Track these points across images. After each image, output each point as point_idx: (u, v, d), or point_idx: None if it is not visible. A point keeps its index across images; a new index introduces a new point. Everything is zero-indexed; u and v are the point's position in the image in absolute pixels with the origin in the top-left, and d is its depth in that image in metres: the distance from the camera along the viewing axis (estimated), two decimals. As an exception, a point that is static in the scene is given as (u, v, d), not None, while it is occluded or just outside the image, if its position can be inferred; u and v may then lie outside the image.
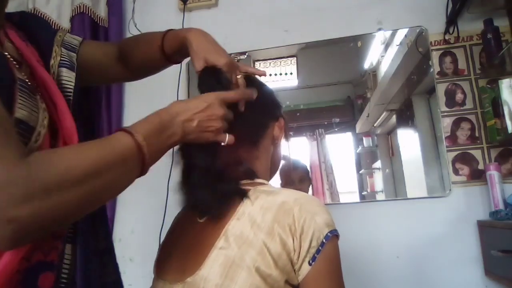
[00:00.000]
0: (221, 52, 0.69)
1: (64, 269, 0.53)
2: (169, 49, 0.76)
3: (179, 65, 1.55)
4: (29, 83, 0.52)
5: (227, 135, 0.63)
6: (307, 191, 1.53)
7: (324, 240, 0.57)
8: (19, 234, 0.37)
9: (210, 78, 0.67)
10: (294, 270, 0.57)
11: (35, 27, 0.65)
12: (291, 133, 1.64)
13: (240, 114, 0.69)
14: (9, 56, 0.53)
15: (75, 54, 0.70)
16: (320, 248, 0.57)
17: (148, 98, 1.72)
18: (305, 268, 0.56)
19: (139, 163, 0.49)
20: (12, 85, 0.48)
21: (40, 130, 0.48)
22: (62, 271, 0.53)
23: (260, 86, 0.78)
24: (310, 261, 0.56)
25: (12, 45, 0.56)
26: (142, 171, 0.50)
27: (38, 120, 0.49)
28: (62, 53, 0.67)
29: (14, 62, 0.53)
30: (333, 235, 0.59)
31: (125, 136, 0.48)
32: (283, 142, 0.80)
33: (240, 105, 0.68)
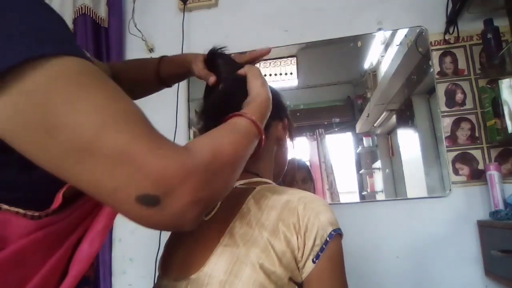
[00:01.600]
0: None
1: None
2: (165, 75, 0.85)
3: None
4: None
5: None
6: (310, 191, 1.54)
7: (328, 239, 0.58)
8: (202, 212, 0.42)
9: (220, 57, 0.74)
10: (298, 268, 0.58)
11: None
12: (294, 134, 1.64)
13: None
14: None
15: None
16: (324, 246, 0.57)
17: (148, 99, 1.72)
18: (309, 266, 0.57)
19: (259, 138, 0.59)
20: None
21: None
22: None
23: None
24: (314, 259, 0.57)
25: None
26: (261, 144, 0.60)
27: None
28: None
29: None
30: (337, 234, 0.59)
31: (246, 121, 0.57)
32: (288, 143, 0.80)
33: None
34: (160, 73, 0.84)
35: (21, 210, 0.40)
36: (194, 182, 0.39)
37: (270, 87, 0.80)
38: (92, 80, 0.39)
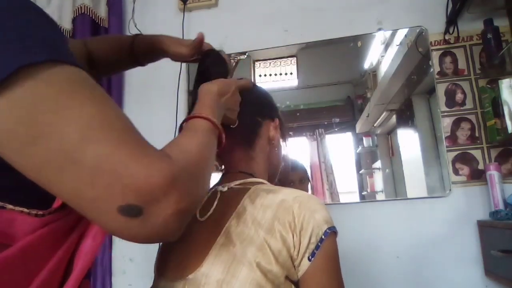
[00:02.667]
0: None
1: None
2: (139, 52, 0.85)
3: (179, 65, 1.57)
4: None
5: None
6: (307, 191, 1.54)
7: (323, 237, 0.58)
8: (185, 222, 0.42)
9: (217, 59, 0.77)
10: (294, 266, 0.58)
11: None
12: (291, 133, 1.64)
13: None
14: None
15: None
16: (319, 244, 0.58)
17: (148, 99, 1.72)
18: (305, 264, 0.58)
19: (218, 138, 0.59)
20: None
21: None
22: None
23: (254, 87, 0.79)
24: (310, 257, 0.58)
25: None
26: (220, 143, 0.60)
27: None
28: None
29: None
30: (332, 232, 0.60)
31: (204, 122, 0.57)
32: (281, 143, 0.80)
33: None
34: (134, 52, 0.84)
35: (25, 209, 0.40)
36: (179, 191, 0.39)
37: (259, 87, 0.81)
38: (80, 88, 0.39)
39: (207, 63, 0.76)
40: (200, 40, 0.79)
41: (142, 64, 0.88)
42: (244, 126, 0.73)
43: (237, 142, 0.73)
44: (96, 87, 0.41)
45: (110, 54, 0.86)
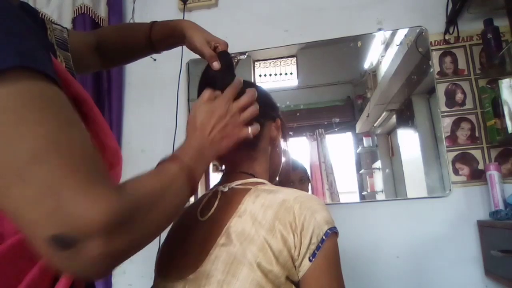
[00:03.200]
0: (212, 34, 0.77)
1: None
2: (157, 38, 0.81)
3: (179, 65, 1.57)
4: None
5: (249, 128, 0.66)
6: (307, 191, 1.54)
7: (324, 237, 0.58)
8: (116, 265, 0.39)
9: (227, 58, 0.74)
10: (295, 267, 0.58)
11: (35, 24, 0.61)
12: (291, 133, 1.64)
13: None
14: None
15: (69, 54, 0.69)
16: (320, 244, 0.58)
17: (148, 98, 1.72)
18: (306, 264, 0.58)
19: (190, 185, 0.53)
20: None
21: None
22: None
23: (255, 87, 0.79)
24: (311, 257, 0.57)
25: None
26: (193, 191, 0.54)
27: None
28: (65, 58, 0.66)
29: None
30: (333, 232, 0.60)
31: (175, 166, 0.53)
32: (282, 143, 0.80)
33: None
34: (151, 37, 0.81)
35: None
36: (116, 233, 0.37)
37: (259, 87, 0.80)
38: (45, 106, 0.37)
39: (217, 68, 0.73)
40: (219, 66, 0.73)
41: (158, 51, 0.85)
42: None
43: (240, 144, 0.73)
44: (63, 108, 0.39)
45: (123, 42, 0.84)
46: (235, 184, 0.69)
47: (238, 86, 0.68)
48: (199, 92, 0.75)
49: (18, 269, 0.40)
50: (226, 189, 0.69)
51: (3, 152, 0.35)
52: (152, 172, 0.50)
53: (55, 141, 0.36)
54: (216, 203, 0.67)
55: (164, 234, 0.77)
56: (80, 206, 0.35)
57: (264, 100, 0.78)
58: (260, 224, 0.59)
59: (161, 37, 0.81)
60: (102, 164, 0.41)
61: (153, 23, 0.82)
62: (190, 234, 0.68)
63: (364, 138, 1.61)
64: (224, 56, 0.74)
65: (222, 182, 0.73)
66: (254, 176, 0.71)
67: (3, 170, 0.35)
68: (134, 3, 1.77)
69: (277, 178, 0.84)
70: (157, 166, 0.53)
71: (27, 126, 0.36)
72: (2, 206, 0.36)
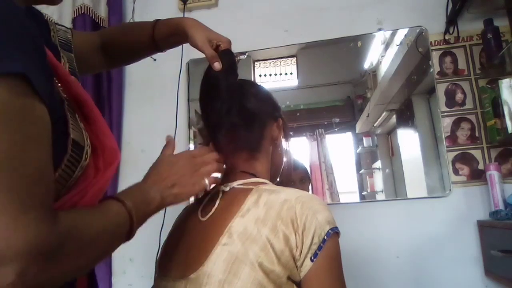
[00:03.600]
0: (215, 32, 0.77)
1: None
2: (160, 36, 0.81)
3: (179, 65, 1.57)
4: (69, 102, 0.52)
5: (206, 179, 0.66)
6: (308, 191, 1.54)
7: (325, 237, 0.58)
8: None
9: (229, 58, 0.73)
10: (297, 267, 0.58)
11: (38, 26, 0.62)
12: (291, 133, 1.64)
13: (238, 116, 0.71)
14: None
15: (73, 56, 0.69)
16: (321, 244, 0.58)
17: (148, 99, 1.72)
18: (307, 264, 0.58)
19: (129, 228, 0.53)
20: (63, 106, 0.49)
21: (87, 149, 0.51)
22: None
23: (257, 87, 0.79)
24: (312, 257, 0.58)
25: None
26: (130, 235, 0.53)
27: (84, 139, 0.51)
28: (68, 59, 0.66)
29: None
30: (334, 232, 0.60)
31: (119, 206, 0.52)
32: (283, 143, 0.80)
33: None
34: (154, 36, 0.81)
35: None
36: (31, 265, 0.35)
37: (261, 87, 0.81)
38: (8, 118, 0.36)
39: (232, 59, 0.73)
40: (221, 67, 0.73)
41: (162, 49, 0.85)
42: (249, 127, 0.73)
43: (242, 145, 0.73)
44: (30, 125, 0.38)
45: (126, 41, 0.84)
46: (236, 183, 0.69)
47: (205, 150, 0.70)
48: (202, 92, 0.75)
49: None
50: (228, 188, 0.69)
51: None
52: (94, 207, 0.50)
53: (5, 154, 0.35)
54: (217, 202, 0.67)
55: (165, 234, 0.77)
56: (5, 227, 0.33)
57: (265, 100, 0.79)
58: (262, 223, 0.59)
59: (164, 35, 0.81)
60: (48, 188, 0.39)
61: (156, 21, 0.82)
62: (192, 233, 0.68)
63: (364, 138, 1.61)
64: (226, 56, 0.73)
65: (223, 181, 0.73)
66: (255, 176, 0.71)
67: None
68: (134, 3, 1.77)
69: (278, 178, 0.84)
70: (100, 202, 0.52)
71: None
72: None
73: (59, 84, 0.51)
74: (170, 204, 0.62)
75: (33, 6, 0.61)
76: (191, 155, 0.67)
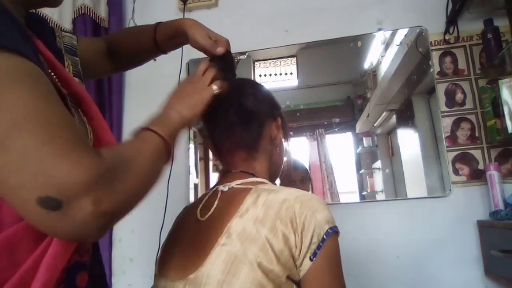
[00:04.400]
0: (214, 32, 0.79)
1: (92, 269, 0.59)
2: (162, 39, 0.83)
3: (179, 65, 1.57)
4: (71, 97, 0.53)
5: (213, 86, 0.68)
6: (308, 191, 1.54)
7: (324, 236, 0.58)
8: (107, 225, 0.41)
9: (227, 57, 0.75)
10: (296, 266, 0.58)
11: (43, 31, 0.63)
12: (291, 133, 1.64)
13: (236, 115, 0.71)
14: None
15: (78, 60, 0.71)
16: (321, 244, 0.58)
17: (148, 99, 1.72)
18: (307, 264, 0.58)
19: (167, 150, 0.56)
20: (65, 101, 0.51)
21: (90, 144, 0.52)
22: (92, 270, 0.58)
23: (257, 86, 0.79)
24: (311, 257, 0.58)
25: (42, 57, 0.56)
26: (169, 155, 0.57)
27: (88, 133, 0.53)
28: (73, 62, 0.68)
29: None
30: (333, 232, 0.60)
31: (149, 133, 0.55)
32: (283, 142, 0.80)
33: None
34: (156, 39, 0.84)
35: None
36: (98, 191, 0.38)
37: (261, 86, 0.81)
38: (20, 79, 0.40)
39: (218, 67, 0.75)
40: (224, 50, 0.76)
41: (165, 52, 0.88)
42: (247, 127, 0.73)
43: (240, 144, 0.73)
44: (39, 81, 0.41)
45: (130, 45, 0.87)
46: (235, 183, 0.69)
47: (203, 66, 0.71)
48: (205, 114, 0.76)
49: (13, 261, 0.41)
50: (226, 188, 0.69)
51: None
52: (130, 140, 0.53)
53: (33, 110, 0.38)
54: (216, 202, 0.67)
55: (165, 234, 0.77)
56: (62, 169, 0.37)
57: (265, 99, 0.78)
58: (261, 223, 0.59)
59: (165, 38, 0.83)
60: (79, 131, 0.43)
61: (158, 24, 0.84)
62: (190, 234, 0.68)
63: (364, 138, 1.61)
64: (225, 55, 0.75)
65: (222, 181, 0.73)
66: (254, 176, 0.71)
67: None
68: (134, 3, 1.77)
69: (278, 178, 0.84)
70: (132, 134, 0.55)
71: (5, 97, 0.38)
72: None
73: (57, 81, 0.53)
74: (191, 117, 0.65)
75: (37, 13, 0.62)
76: (192, 76, 0.70)
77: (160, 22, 0.85)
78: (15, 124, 0.37)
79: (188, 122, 0.64)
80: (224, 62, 0.74)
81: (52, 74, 0.53)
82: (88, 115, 0.56)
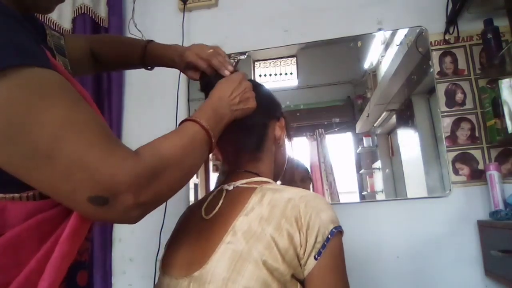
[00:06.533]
0: (203, 48, 0.81)
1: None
2: (149, 61, 0.87)
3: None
4: None
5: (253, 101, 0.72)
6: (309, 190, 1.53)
7: (329, 236, 0.59)
8: (145, 212, 0.48)
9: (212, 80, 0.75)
10: (300, 265, 0.59)
11: (36, 30, 0.63)
12: (291, 133, 1.64)
13: (241, 118, 0.71)
14: None
15: (67, 60, 0.71)
16: (325, 243, 0.59)
17: (148, 98, 1.72)
18: (311, 263, 0.58)
19: (209, 143, 0.60)
20: None
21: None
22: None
23: (258, 87, 0.79)
24: (316, 256, 0.58)
25: None
26: (211, 149, 0.61)
27: None
28: (63, 63, 0.68)
29: None
30: (338, 231, 0.61)
31: (194, 125, 0.59)
32: (286, 142, 0.80)
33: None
34: (144, 58, 0.87)
35: (16, 195, 0.44)
36: (139, 187, 0.45)
37: (263, 87, 0.81)
38: (53, 90, 0.42)
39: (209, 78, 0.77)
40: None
41: (150, 69, 0.91)
42: (252, 129, 0.73)
43: (245, 145, 0.73)
44: (67, 90, 0.44)
45: (115, 56, 0.88)
46: (240, 183, 0.69)
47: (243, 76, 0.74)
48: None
49: (17, 261, 0.43)
50: (231, 187, 0.69)
51: (27, 138, 0.40)
52: (173, 132, 0.57)
53: (70, 119, 0.42)
54: (221, 201, 0.68)
55: (167, 234, 0.77)
56: (107, 170, 0.42)
57: (268, 100, 0.79)
58: (266, 222, 0.59)
59: (154, 61, 0.87)
60: (111, 132, 0.47)
61: (148, 45, 0.86)
62: (195, 232, 0.69)
63: (364, 138, 1.61)
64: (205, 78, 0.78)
65: (226, 181, 0.73)
66: (259, 176, 0.71)
67: (30, 154, 0.40)
68: (134, 3, 1.77)
69: (281, 177, 0.84)
70: (178, 126, 0.59)
71: (42, 111, 0.40)
72: (37, 186, 0.43)
73: None
74: (237, 117, 0.68)
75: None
76: (243, 77, 0.73)
77: (151, 41, 0.86)
78: (56, 136, 0.40)
79: (232, 119, 0.67)
80: (209, 77, 0.77)
81: None
82: None
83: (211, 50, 0.78)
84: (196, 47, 0.80)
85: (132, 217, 0.47)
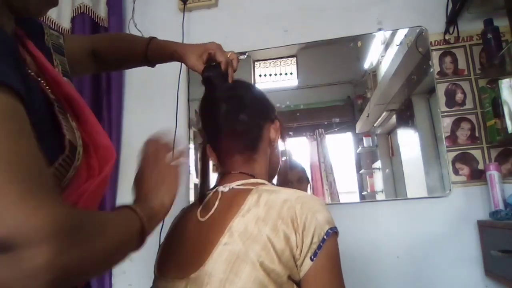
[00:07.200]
0: (204, 46, 0.81)
1: None
2: (153, 57, 0.86)
3: (179, 65, 1.57)
4: (59, 102, 0.53)
5: (175, 162, 0.68)
6: (306, 191, 1.53)
7: (325, 237, 0.59)
8: (57, 281, 0.36)
9: (215, 71, 0.77)
10: (296, 266, 0.59)
11: (31, 29, 0.63)
12: (290, 133, 1.64)
13: (235, 119, 0.72)
14: (32, 73, 0.52)
15: (65, 59, 0.70)
16: (321, 244, 0.59)
17: (148, 99, 1.72)
18: (307, 264, 0.58)
19: (142, 237, 0.54)
20: (53, 109, 0.50)
21: (79, 150, 0.52)
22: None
23: (251, 89, 0.80)
24: (312, 257, 0.58)
25: (30, 58, 0.55)
26: (143, 238, 0.54)
27: (76, 139, 0.52)
28: (61, 62, 0.67)
29: (39, 78, 0.53)
30: (333, 232, 0.61)
31: (127, 209, 0.53)
32: (280, 144, 0.81)
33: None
34: (147, 56, 0.86)
35: None
36: (59, 243, 0.35)
37: (256, 89, 0.82)
38: None
39: (209, 76, 0.78)
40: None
41: (153, 66, 0.90)
42: (247, 131, 0.73)
43: (240, 147, 0.73)
44: (14, 118, 0.39)
45: (118, 55, 0.88)
46: (235, 184, 0.69)
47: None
48: (201, 100, 0.77)
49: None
50: (227, 189, 0.69)
51: None
52: (104, 211, 0.53)
53: (2, 148, 0.36)
54: (217, 203, 0.67)
55: (163, 235, 0.77)
56: (20, 212, 0.34)
57: (262, 102, 0.79)
58: (263, 223, 0.59)
59: (157, 57, 0.87)
60: (49, 178, 0.40)
61: (151, 40, 0.86)
62: (191, 234, 0.68)
63: (364, 138, 1.61)
64: (211, 69, 0.78)
65: (221, 182, 0.73)
66: (254, 177, 0.71)
67: None
68: (134, 3, 1.77)
69: (276, 178, 0.84)
70: (120, 211, 0.53)
71: None
72: None
73: (46, 86, 0.53)
74: (170, 203, 0.63)
75: None
76: (147, 158, 0.68)
77: (154, 38, 0.87)
78: None
79: (167, 209, 0.62)
80: (216, 70, 0.77)
81: (41, 80, 0.53)
82: (81, 118, 0.55)
83: (231, 53, 0.80)
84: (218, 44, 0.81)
85: (40, 284, 0.34)
